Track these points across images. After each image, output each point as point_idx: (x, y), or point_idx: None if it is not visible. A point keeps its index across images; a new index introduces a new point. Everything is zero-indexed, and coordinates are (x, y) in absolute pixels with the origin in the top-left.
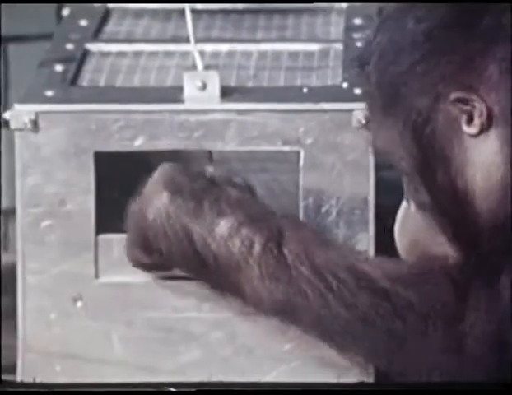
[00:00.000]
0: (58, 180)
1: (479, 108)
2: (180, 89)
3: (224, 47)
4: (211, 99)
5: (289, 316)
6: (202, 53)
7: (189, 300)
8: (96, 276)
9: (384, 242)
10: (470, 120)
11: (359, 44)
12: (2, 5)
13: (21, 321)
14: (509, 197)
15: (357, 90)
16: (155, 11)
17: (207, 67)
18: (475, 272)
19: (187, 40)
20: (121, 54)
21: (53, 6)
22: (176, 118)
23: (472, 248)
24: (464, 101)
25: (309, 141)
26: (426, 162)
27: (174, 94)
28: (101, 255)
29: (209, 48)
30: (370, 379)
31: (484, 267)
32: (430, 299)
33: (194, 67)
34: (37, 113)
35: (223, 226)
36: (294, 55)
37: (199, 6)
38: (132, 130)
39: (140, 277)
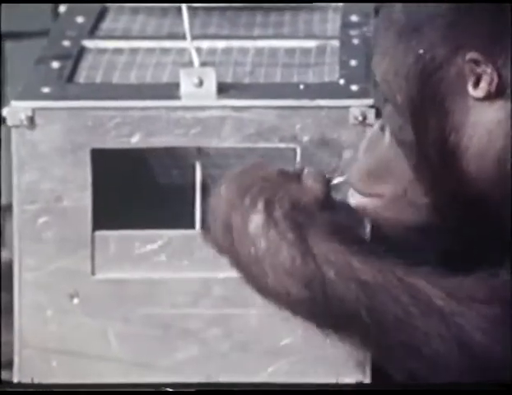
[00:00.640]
0: (54, 177)
1: (490, 74)
2: (177, 85)
3: (220, 43)
4: (207, 95)
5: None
6: (198, 50)
7: (186, 297)
8: (93, 273)
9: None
10: (477, 83)
11: (355, 41)
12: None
13: (18, 317)
14: (502, 172)
15: (354, 87)
16: (151, 8)
17: (203, 64)
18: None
19: (183, 37)
20: (117, 51)
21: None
22: (173, 115)
23: (443, 201)
24: (478, 63)
25: (305, 138)
26: (423, 105)
27: (170, 90)
28: (98, 252)
29: (206, 44)
30: (367, 379)
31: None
32: None
33: (191, 63)
34: (34, 110)
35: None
36: (290, 52)
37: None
38: (128, 127)
39: (136, 274)
